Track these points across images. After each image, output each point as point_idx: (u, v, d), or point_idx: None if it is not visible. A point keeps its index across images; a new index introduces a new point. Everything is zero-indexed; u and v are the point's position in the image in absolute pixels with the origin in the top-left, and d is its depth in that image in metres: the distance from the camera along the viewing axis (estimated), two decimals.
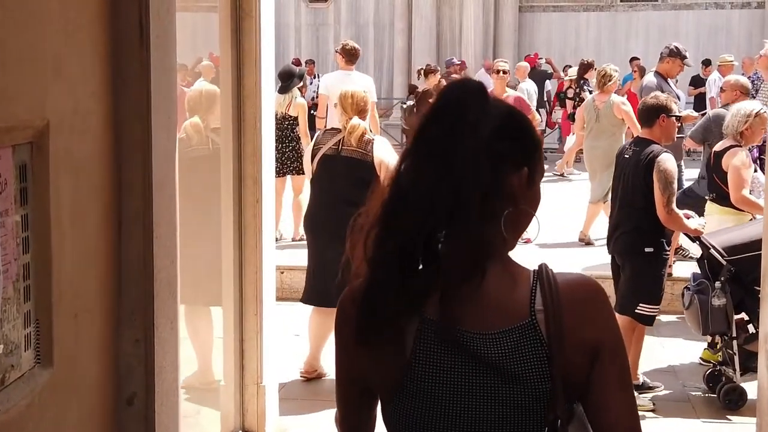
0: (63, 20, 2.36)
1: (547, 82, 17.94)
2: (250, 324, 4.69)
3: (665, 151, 5.60)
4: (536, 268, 1.72)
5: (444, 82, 9.31)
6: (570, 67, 18.33)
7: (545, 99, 17.76)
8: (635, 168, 5.66)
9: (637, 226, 5.70)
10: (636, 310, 5.70)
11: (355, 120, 5.60)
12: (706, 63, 18.44)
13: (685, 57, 8.46)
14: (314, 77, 19.77)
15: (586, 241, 9.54)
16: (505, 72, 9.76)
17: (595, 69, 14.34)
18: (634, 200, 5.72)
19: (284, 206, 9.92)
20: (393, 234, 1.66)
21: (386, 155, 5.53)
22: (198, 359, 5.50)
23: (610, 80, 9.44)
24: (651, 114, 5.74)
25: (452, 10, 21.41)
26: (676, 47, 8.48)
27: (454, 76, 15.99)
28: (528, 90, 15.15)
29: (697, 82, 18.51)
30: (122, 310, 2.74)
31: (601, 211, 9.10)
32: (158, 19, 2.79)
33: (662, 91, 8.26)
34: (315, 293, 5.83)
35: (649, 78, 8.49)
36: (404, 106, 11.11)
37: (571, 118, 14.85)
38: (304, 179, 9.72)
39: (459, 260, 1.64)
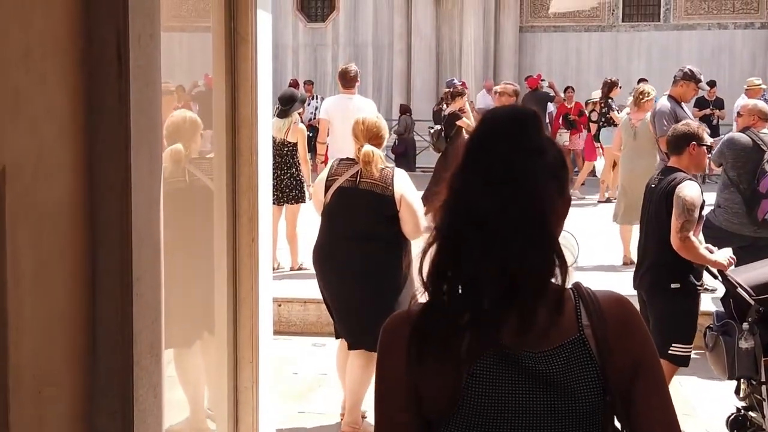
0: (23, 47, 2.01)
1: (549, 104, 17.57)
2: (245, 373, 4.31)
3: (689, 178, 5.29)
4: (571, 287, 1.80)
5: (468, 105, 9.01)
6: (572, 90, 18.02)
7: (547, 121, 17.40)
8: (659, 197, 5.37)
9: (662, 260, 5.40)
10: (670, 351, 5.38)
11: (368, 147, 5.23)
12: (711, 84, 18.13)
13: (699, 80, 8.12)
14: (312, 98, 19.45)
15: (631, 262, 9.16)
16: (511, 95, 9.40)
17: (620, 87, 14.04)
18: (658, 232, 5.41)
19: (279, 235, 9.54)
20: (465, 258, 1.70)
21: (407, 189, 5.19)
22: (189, 404, 5.12)
23: (646, 97, 9.17)
24: (681, 142, 5.45)
25: (452, 30, 21.13)
26: (690, 70, 8.14)
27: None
28: None
29: (702, 103, 18.22)
30: (96, 381, 2.37)
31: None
32: (139, 45, 2.43)
33: (676, 116, 7.97)
34: (353, 335, 5.37)
35: (662, 102, 8.13)
36: (431, 130, 10.86)
37: (596, 139, 14.47)
38: (300, 208, 9.41)
39: (531, 281, 1.68)
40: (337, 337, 5.61)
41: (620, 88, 14.15)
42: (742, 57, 21.11)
